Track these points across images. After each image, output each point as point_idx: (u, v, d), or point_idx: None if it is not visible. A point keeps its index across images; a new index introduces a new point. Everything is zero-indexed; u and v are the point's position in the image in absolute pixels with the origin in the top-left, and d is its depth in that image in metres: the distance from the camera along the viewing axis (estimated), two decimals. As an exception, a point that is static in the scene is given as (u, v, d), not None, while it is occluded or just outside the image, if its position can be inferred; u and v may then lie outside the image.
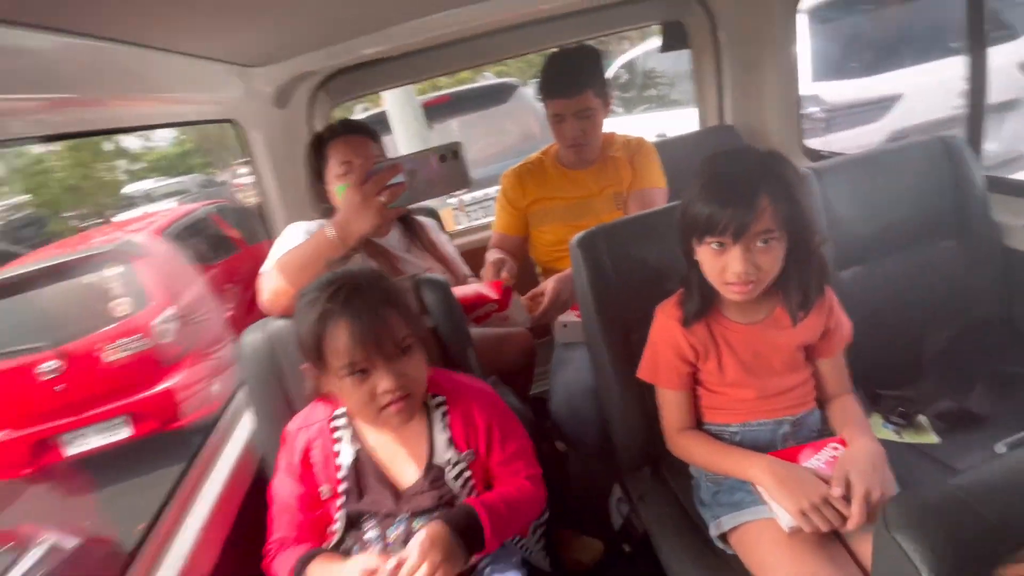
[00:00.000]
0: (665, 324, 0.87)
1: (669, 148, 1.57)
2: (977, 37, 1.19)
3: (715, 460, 0.85)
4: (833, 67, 2.73)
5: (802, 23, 2.77)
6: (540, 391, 1.58)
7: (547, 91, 1.38)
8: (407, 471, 0.79)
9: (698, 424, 0.91)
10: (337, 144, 1.16)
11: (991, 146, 2.76)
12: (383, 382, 0.70)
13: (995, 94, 2.80)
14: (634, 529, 1.21)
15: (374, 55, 1.54)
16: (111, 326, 2.87)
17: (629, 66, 4.98)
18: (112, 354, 2.83)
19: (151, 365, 2.89)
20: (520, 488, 0.79)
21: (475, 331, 1.42)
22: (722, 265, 0.75)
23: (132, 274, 2.99)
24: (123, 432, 2.86)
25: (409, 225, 1.29)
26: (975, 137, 1.25)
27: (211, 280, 3.58)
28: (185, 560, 0.79)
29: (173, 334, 2.94)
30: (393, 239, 1.25)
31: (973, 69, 1.21)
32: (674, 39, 1.83)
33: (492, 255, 1.45)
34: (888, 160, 1.17)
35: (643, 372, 0.91)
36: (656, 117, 4.48)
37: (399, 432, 0.79)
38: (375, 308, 0.70)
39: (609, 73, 4.49)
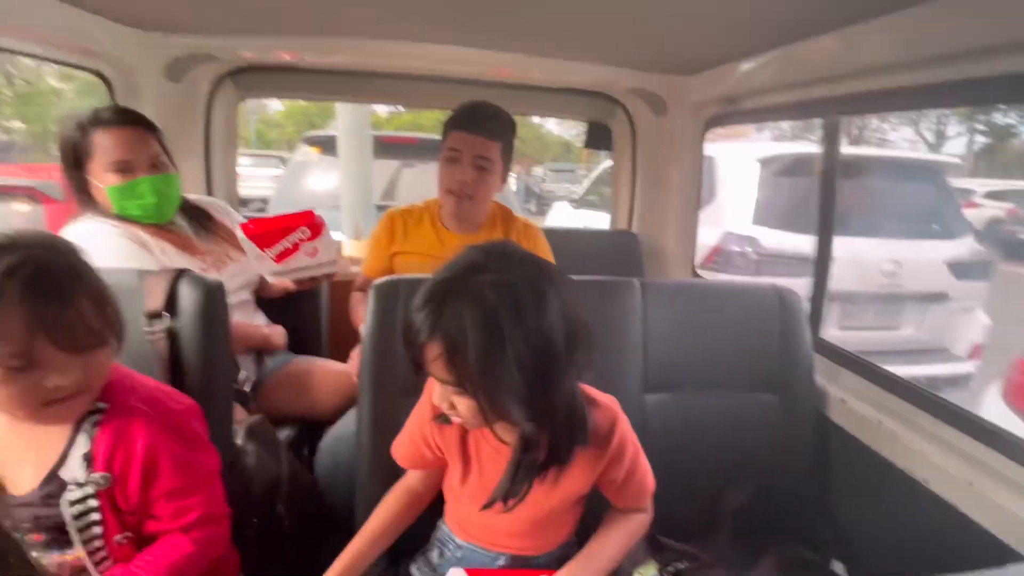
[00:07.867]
0: (424, 404, 0.77)
1: (564, 239, 1.54)
2: (827, 217, 1.27)
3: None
4: (774, 217, 2.87)
5: (755, 169, 2.93)
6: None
7: (453, 123, 1.27)
8: (24, 475, 0.67)
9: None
10: (110, 135, 1.05)
11: (908, 331, 2.88)
12: (56, 377, 0.60)
13: (923, 284, 2.90)
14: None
15: (286, 62, 1.55)
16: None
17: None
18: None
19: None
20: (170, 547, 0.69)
21: (290, 366, 1.32)
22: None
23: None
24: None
25: (193, 212, 1.24)
26: (817, 304, 1.25)
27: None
28: None
29: None
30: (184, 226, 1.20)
31: (821, 242, 1.26)
32: (598, 139, 1.88)
33: (356, 299, 1.38)
34: (722, 293, 1.14)
35: (393, 448, 0.82)
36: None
37: (31, 428, 0.65)
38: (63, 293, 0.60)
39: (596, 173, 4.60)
